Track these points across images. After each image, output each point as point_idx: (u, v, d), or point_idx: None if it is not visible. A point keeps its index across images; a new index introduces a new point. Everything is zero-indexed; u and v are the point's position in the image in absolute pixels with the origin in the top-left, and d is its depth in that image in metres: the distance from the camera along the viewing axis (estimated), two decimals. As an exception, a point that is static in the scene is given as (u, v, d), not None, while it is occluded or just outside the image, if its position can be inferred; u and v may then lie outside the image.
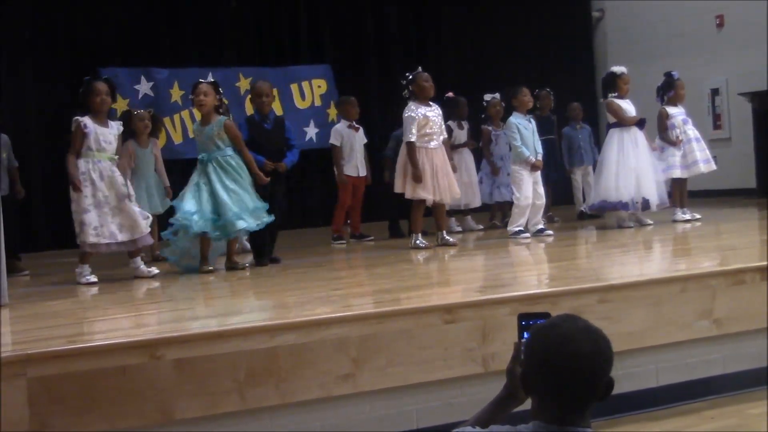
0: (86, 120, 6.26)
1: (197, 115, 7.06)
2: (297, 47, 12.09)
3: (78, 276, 6.29)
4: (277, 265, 6.88)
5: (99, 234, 6.16)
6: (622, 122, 8.40)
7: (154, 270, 6.52)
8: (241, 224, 6.48)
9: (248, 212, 6.53)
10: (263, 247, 6.96)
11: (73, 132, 6.27)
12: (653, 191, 8.25)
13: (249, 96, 10.67)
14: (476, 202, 9.20)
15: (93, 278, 6.26)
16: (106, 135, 6.31)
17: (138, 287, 6.14)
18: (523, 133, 8.02)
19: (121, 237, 6.24)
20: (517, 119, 8.11)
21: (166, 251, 6.88)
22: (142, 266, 6.48)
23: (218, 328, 3.95)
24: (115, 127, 6.46)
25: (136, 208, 6.41)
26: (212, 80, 7.04)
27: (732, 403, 4.60)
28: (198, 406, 3.70)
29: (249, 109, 10.71)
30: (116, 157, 6.43)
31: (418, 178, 7.32)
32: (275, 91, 10.84)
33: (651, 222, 8.40)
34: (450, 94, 9.22)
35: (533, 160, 7.96)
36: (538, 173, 8.07)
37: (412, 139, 7.36)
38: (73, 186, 6.19)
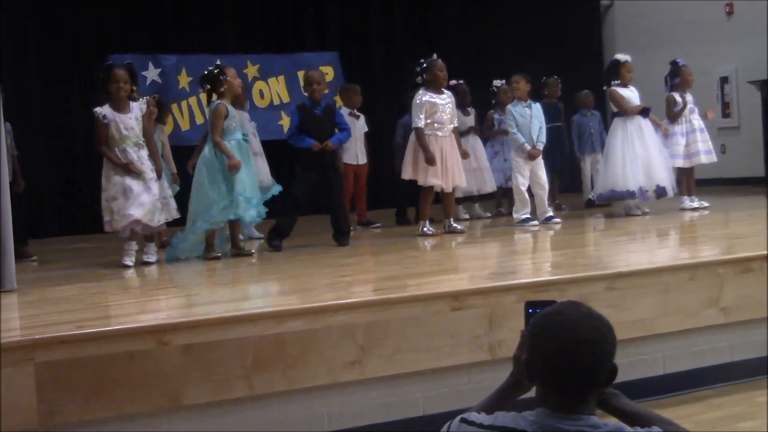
0: (105, 110, 6.25)
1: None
2: (304, 35, 12.07)
3: (124, 252, 6.33)
4: (284, 252, 6.88)
5: (122, 219, 6.17)
6: (623, 112, 8.41)
7: (152, 259, 6.46)
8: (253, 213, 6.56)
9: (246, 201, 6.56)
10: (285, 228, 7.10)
11: (96, 125, 6.27)
12: (666, 178, 8.25)
13: (256, 83, 10.85)
14: (488, 188, 9.18)
15: (129, 261, 6.29)
16: (126, 122, 6.28)
17: (145, 273, 6.15)
18: (519, 120, 8.09)
19: (137, 214, 6.14)
20: (514, 106, 8.20)
21: (180, 252, 6.64)
22: (149, 252, 6.49)
23: (225, 314, 3.95)
24: (137, 109, 6.39)
25: (149, 197, 6.27)
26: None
27: (739, 390, 4.61)
28: (206, 392, 3.71)
29: (256, 96, 10.76)
30: (141, 140, 6.36)
31: (431, 160, 7.30)
32: (282, 78, 10.97)
33: (647, 210, 8.41)
34: (452, 82, 9.18)
35: (528, 146, 7.98)
36: (540, 160, 8.08)
37: (420, 125, 7.37)
38: (124, 168, 6.18)
